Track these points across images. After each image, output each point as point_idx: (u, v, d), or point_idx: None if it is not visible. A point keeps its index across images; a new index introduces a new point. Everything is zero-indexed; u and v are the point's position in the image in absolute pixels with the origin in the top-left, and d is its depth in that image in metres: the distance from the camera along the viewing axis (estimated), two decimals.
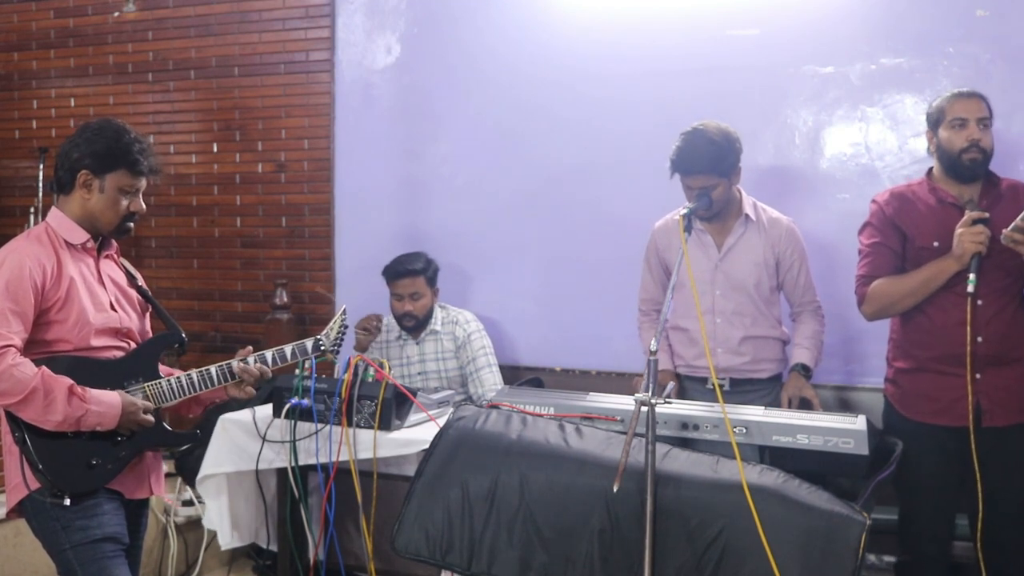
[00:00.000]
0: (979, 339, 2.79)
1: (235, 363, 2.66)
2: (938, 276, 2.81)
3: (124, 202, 2.52)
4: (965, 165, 2.85)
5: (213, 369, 2.64)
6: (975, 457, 2.74)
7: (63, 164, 2.51)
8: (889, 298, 2.91)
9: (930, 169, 3.00)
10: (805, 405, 3.18)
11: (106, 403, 2.42)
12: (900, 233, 2.93)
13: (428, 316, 3.97)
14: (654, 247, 3.44)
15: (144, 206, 2.58)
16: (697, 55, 3.94)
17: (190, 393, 2.61)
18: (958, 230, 2.76)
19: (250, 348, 2.73)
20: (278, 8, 4.67)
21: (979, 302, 2.79)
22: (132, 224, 2.58)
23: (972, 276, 2.70)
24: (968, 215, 2.76)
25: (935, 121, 2.92)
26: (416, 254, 4.00)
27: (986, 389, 2.81)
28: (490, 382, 3.88)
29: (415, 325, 3.95)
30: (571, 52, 4.14)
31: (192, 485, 3.87)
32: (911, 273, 2.89)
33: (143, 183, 2.56)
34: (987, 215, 2.75)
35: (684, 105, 3.78)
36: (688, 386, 3.34)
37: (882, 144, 3.77)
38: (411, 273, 3.90)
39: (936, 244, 2.85)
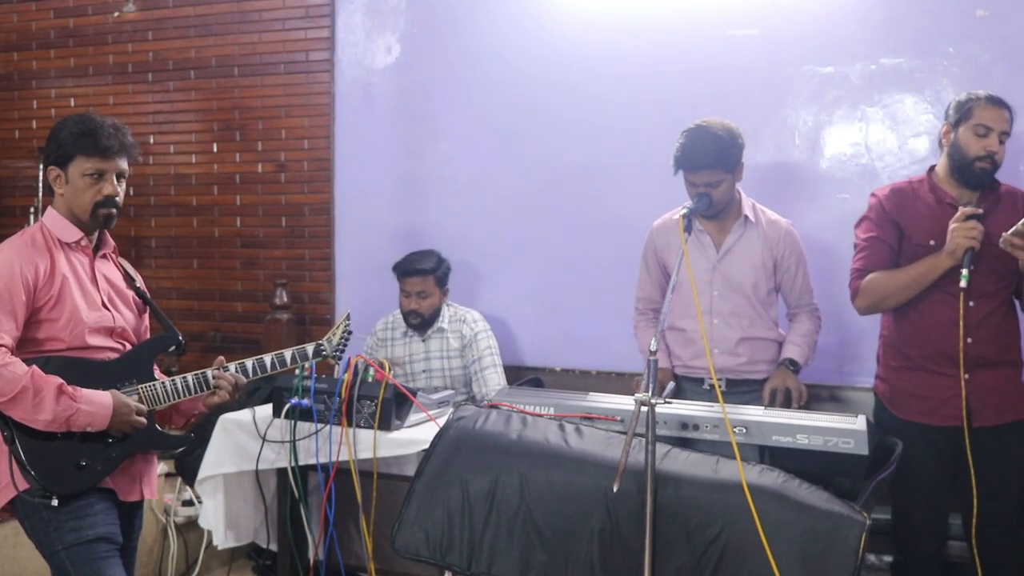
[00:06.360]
0: (969, 340, 2.78)
1: (210, 372, 2.61)
2: (931, 272, 2.80)
3: (92, 187, 2.46)
4: (975, 173, 2.83)
5: (209, 372, 2.62)
6: (969, 456, 2.74)
7: (44, 168, 2.52)
8: (881, 293, 2.90)
9: (932, 167, 2.98)
10: (788, 397, 3.18)
11: (97, 403, 2.40)
12: (898, 229, 2.92)
13: (435, 315, 3.96)
14: (652, 246, 3.44)
15: (119, 189, 2.50)
16: (697, 55, 3.94)
17: (185, 396, 2.59)
18: (952, 225, 2.75)
19: (222, 359, 2.67)
20: (278, 8, 4.66)
21: (971, 303, 2.79)
22: (112, 210, 2.50)
23: (965, 271, 2.69)
24: (961, 211, 2.75)
25: (959, 118, 2.85)
26: (428, 253, 3.97)
27: (975, 390, 2.80)
28: (494, 382, 3.87)
29: (420, 323, 3.95)
30: (572, 52, 4.14)
31: (192, 485, 3.87)
32: (905, 268, 2.87)
33: (110, 164, 2.47)
34: (980, 211, 2.74)
35: (685, 105, 3.77)
36: (684, 386, 3.33)
37: (882, 144, 3.77)
38: (421, 272, 3.89)
39: (932, 243, 2.84)
